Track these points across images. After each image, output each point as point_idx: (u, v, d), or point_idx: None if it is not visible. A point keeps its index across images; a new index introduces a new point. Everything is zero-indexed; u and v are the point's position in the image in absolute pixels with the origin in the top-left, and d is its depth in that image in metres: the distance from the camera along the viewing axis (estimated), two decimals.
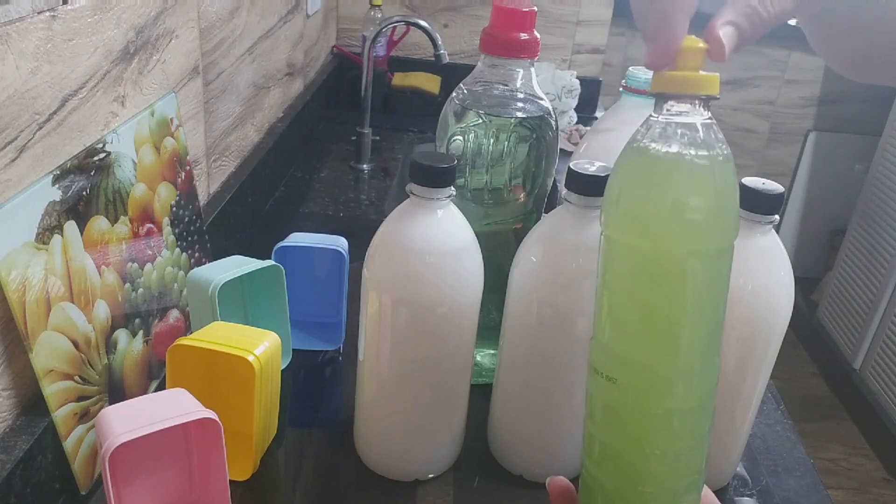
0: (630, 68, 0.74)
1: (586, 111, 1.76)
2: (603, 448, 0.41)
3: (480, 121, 0.66)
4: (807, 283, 2.64)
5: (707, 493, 0.43)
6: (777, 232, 0.58)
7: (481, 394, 0.68)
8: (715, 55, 0.36)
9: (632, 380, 0.38)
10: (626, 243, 0.38)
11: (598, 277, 0.40)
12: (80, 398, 0.57)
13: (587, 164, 0.56)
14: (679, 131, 0.36)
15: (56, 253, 0.55)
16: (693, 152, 0.36)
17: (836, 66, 0.47)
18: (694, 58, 0.36)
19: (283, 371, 0.66)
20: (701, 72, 0.36)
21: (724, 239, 0.37)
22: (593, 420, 0.41)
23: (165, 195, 0.73)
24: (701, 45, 0.36)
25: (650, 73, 0.80)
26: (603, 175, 0.55)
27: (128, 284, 0.65)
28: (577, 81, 1.63)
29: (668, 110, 0.37)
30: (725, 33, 0.36)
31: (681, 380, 0.38)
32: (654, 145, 0.36)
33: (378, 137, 1.43)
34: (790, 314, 0.59)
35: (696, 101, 0.36)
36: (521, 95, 0.67)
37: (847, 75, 0.48)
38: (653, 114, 0.37)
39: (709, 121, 0.36)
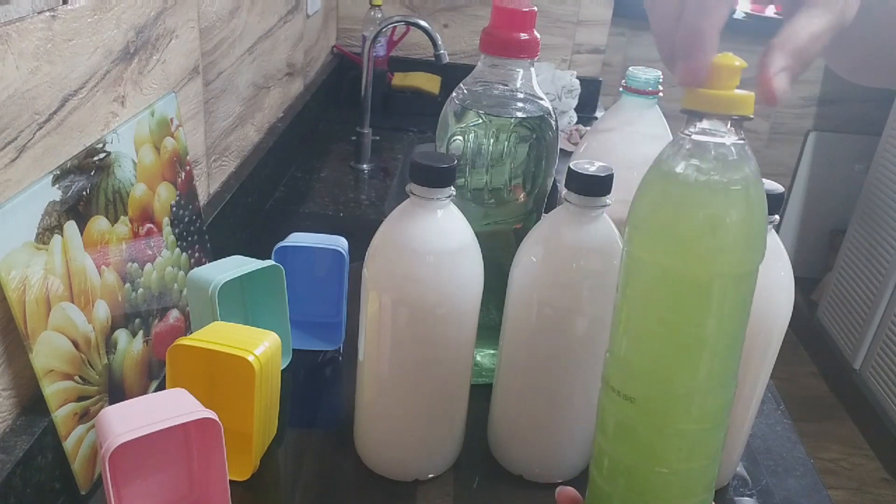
0: (630, 68, 0.74)
1: (586, 111, 1.76)
2: (613, 463, 0.40)
3: (480, 121, 0.66)
4: (807, 283, 2.64)
5: None
6: (777, 232, 0.58)
7: (481, 394, 0.68)
8: (769, 102, 0.35)
9: (648, 398, 0.38)
10: (651, 262, 0.37)
11: (618, 293, 0.39)
12: (80, 398, 0.57)
13: (587, 164, 0.56)
14: (711, 152, 0.35)
15: (56, 253, 0.55)
16: (724, 174, 0.35)
17: (841, 71, 0.48)
18: (730, 76, 0.35)
19: (283, 371, 0.66)
20: (736, 90, 0.35)
21: (751, 262, 0.36)
22: (605, 435, 0.40)
23: (165, 195, 0.73)
24: (738, 63, 0.35)
25: (650, 74, 0.80)
26: (603, 175, 0.55)
27: (128, 284, 0.65)
28: (577, 81, 1.63)
29: (699, 129, 0.36)
30: (779, 81, 0.35)
31: (698, 400, 0.38)
32: (684, 165, 0.35)
33: (378, 137, 1.43)
34: (790, 314, 0.59)
35: (729, 121, 0.35)
36: (521, 95, 0.67)
37: (852, 79, 0.48)
38: (683, 131, 0.36)
39: (740, 141, 0.35)
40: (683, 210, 0.35)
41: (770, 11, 2.31)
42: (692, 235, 0.35)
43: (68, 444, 0.56)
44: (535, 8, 0.63)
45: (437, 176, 0.54)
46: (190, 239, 0.78)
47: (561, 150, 0.98)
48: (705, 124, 0.35)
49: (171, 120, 0.74)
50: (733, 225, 0.35)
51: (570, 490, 0.43)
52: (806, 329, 2.54)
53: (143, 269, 0.68)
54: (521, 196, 0.68)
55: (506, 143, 0.66)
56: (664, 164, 0.36)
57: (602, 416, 0.41)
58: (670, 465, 0.38)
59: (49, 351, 0.54)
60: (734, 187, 0.35)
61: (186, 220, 0.77)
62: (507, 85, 0.66)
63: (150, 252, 0.69)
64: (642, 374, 0.38)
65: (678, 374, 0.37)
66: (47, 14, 0.53)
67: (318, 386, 0.77)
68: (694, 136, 0.36)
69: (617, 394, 0.39)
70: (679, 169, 0.35)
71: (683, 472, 0.39)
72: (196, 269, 0.68)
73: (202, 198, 0.90)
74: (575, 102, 1.64)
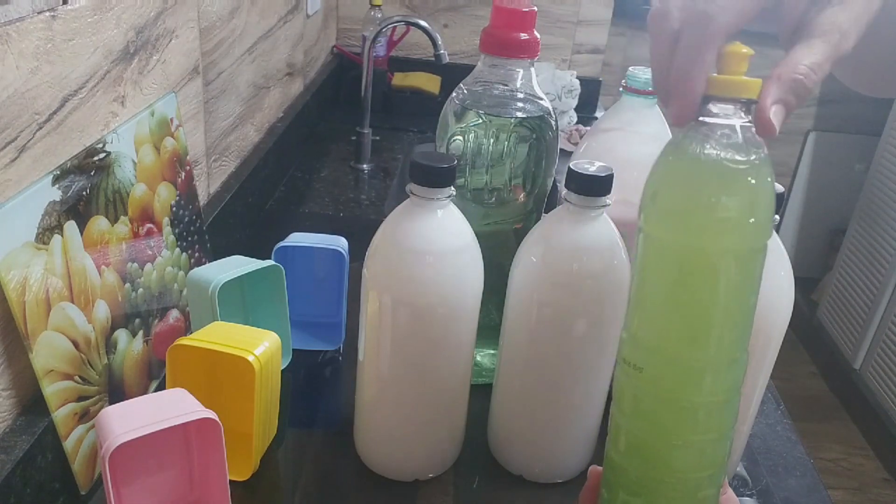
0: (630, 68, 0.74)
1: (586, 111, 1.76)
2: (629, 438, 0.42)
3: (480, 121, 0.66)
4: (807, 283, 2.64)
5: (729, 495, 0.43)
6: (777, 232, 0.58)
7: (481, 394, 0.68)
8: (766, 133, 0.37)
9: (662, 371, 0.40)
10: (663, 239, 0.39)
11: (635, 272, 0.41)
12: (80, 398, 0.57)
13: (587, 164, 0.56)
14: (719, 133, 0.37)
15: (56, 253, 0.55)
16: (732, 154, 0.37)
17: (846, 81, 0.48)
18: (738, 62, 0.37)
19: (283, 371, 0.66)
20: (744, 76, 0.37)
21: (758, 239, 0.38)
22: (621, 411, 0.42)
23: (165, 195, 0.73)
24: (745, 50, 0.37)
25: (650, 74, 0.80)
26: (603, 175, 0.55)
27: (128, 284, 0.65)
28: (577, 81, 1.63)
29: (710, 112, 0.38)
30: (775, 113, 0.37)
31: (709, 373, 0.39)
32: (694, 145, 0.37)
33: (378, 137, 1.43)
34: (790, 314, 0.59)
35: (738, 105, 0.37)
36: (521, 95, 0.67)
37: (855, 88, 0.48)
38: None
39: (748, 123, 0.37)
40: (690, 189, 0.37)
41: None
42: (699, 214, 0.37)
43: (68, 444, 0.56)
44: (535, 8, 0.63)
45: (437, 176, 0.54)
46: (190, 239, 0.78)
47: (561, 150, 0.98)
48: (715, 108, 0.38)
49: (171, 120, 0.74)
50: (741, 203, 0.37)
51: (600, 469, 0.45)
52: (806, 329, 2.54)
53: (143, 269, 0.68)
54: (521, 196, 0.68)
55: (506, 143, 0.66)
56: (675, 145, 0.38)
57: (619, 394, 0.42)
58: (683, 437, 0.40)
59: (49, 351, 0.54)
60: (742, 167, 0.37)
61: (186, 220, 0.77)
62: (507, 85, 0.66)
63: (150, 252, 0.69)
64: (656, 348, 0.40)
65: (689, 349, 0.39)
66: (47, 14, 0.53)
67: (318, 386, 0.77)
68: (704, 119, 0.38)
69: (631, 367, 0.40)
70: (690, 149, 0.38)
71: (696, 444, 0.40)
72: (196, 269, 0.69)
73: (202, 198, 0.90)
74: (575, 102, 1.64)
